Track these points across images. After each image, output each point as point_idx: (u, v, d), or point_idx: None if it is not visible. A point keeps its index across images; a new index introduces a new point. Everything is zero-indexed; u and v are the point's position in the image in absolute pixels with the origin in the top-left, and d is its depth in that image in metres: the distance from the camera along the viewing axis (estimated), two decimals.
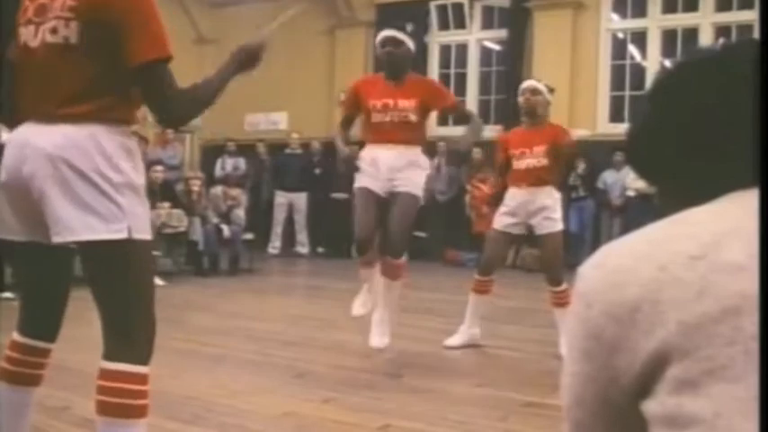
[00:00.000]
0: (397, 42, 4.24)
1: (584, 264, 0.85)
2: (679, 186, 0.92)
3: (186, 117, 2.18)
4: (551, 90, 4.91)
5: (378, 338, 4.35)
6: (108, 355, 2.06)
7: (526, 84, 4.99)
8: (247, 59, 2.29)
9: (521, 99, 4.89)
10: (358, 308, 4.55)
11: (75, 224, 1.99)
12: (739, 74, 0.87)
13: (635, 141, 0.97)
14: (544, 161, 4.78)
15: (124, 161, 2.04)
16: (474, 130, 4.47)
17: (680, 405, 0.73)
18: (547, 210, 4.79)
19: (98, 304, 2.10)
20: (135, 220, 2.04)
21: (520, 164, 4.84)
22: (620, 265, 0.81)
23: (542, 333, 4.81)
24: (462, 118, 4.68)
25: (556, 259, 4.83)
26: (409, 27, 4.34)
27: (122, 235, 2.01)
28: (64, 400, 3.45)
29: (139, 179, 2.10)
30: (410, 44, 4.32)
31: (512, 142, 4.92)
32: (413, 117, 4.25)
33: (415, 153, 4.33)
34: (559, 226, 4.81)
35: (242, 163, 11.95)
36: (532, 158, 4.80)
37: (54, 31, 2.03)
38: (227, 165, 11.90)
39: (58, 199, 1.98)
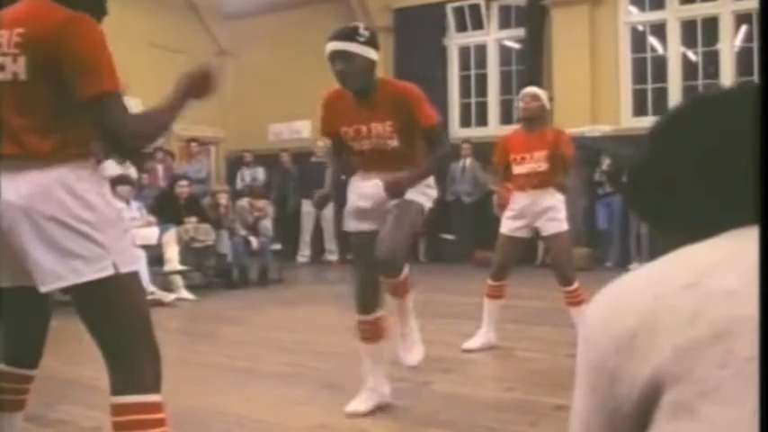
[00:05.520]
0: (346, 56, 3.39)
1: (590, 301, 0.89)
2: (678, 225, 0.94)
3: (138, 148, 2.18)
4: (550, 98, 4.96)
5: (408, 355, 3.89)
6: (115, 390, 2.07)
7: (526, 90, 5.05)
8: (198, 88, 2.21)
9: (520, 104, 4.95)
10: (357, 404, 3.72)
11: (59, 270, 1.99)
12: (740, 117, 0.89)
13: (635, 181, 0.99)
14: (545, 166, 4.82)
15: (95, 197, 2.04)
16: (414, 176, 3.46)
17: (677, 430, 0.74)
18: (551, 210, 4.85)
19: (96, 342, 2.11)
20: (119, 255, 2.05)
21: (521, 168, 4.90)
22: (619, 298, 0.84)
23: (572, 334, 4.76)
24: (430, 143, 3.54)
25: (565, 259, 4.91)
26: (364, 30, 3.47)
27: (109, 272, 2.02)
28: (96, 419, 3.50)
29: (113, 211, 2.10)
30: (367, 53, 3.44)
31: (512, 146, 4.96)
32: (393, 143, 3.51)
33: None
34: (564, 226, 4.87)
35: (260, 173, 12.00)
36: (533, 163, 4.85)
37: (2, 68, 2.02)
38: (246, 176, 11.96)
39: (38, 249, 1.98)
